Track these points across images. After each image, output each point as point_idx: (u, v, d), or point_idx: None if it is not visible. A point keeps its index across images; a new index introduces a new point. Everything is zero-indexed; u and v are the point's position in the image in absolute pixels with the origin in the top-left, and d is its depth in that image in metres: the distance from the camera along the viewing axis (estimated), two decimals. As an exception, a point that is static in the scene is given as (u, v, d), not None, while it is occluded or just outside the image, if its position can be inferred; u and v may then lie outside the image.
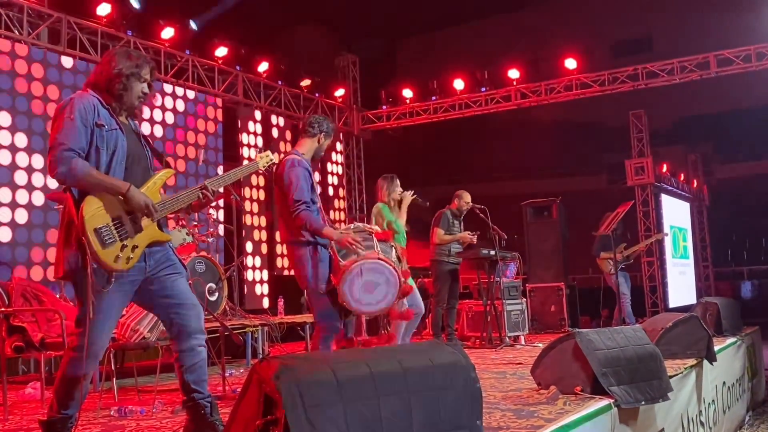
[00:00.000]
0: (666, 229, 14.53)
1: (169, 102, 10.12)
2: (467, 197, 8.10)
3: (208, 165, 10.36)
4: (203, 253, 7.71)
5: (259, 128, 11.89)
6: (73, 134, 3.14)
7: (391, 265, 4.40)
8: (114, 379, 5.21)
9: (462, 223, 8.16)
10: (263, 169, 3.97)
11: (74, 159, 3.11)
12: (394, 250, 4.62)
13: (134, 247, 3.19)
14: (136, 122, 3.51)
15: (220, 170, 10.46)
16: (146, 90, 3.38)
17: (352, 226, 4.74)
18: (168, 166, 3.53)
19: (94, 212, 3.11)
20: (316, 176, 5.10)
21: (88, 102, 3.24)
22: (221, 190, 3.75)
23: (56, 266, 3.25)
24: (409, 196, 6.54)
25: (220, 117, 10.99)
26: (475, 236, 7.92)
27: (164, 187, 3.41)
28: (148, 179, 3.33)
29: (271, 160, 4.03)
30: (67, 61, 8.78)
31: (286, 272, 11.68)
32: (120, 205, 3.17)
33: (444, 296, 7.87)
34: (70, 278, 3.20)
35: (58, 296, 6.38)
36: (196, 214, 8.40)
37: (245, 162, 11.51)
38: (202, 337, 3.37)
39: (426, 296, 10.36)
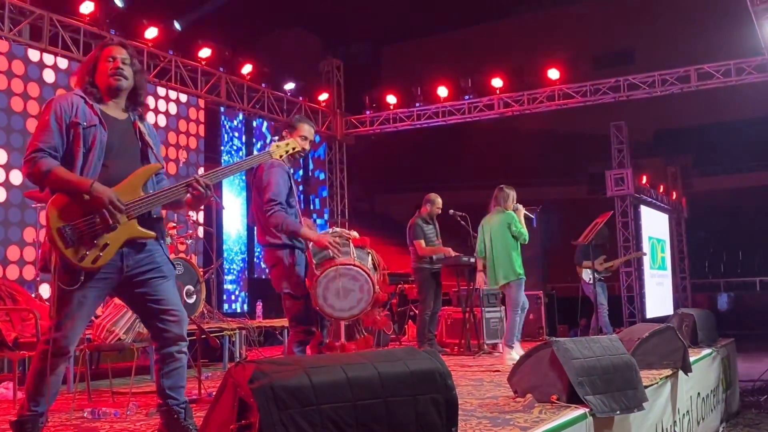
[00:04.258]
0: (644, 240, 14.66)
1: (150, 102, 10.07)
2: (439, 202, 8.09)
3: (188, 166, 10.31)
4: (182, 255, 7.66)
5: (241, 130, 11.86)
6: (44, 134, 3.16)
7: (365, 272, 4.39)
8: (88, 380, 5.15)
9: (437, 226, 8.15)
10: (278, 158, 3.81)
11: (41, 159, 3.11)
12: (370, 257, 4.61)
13: (105, 245, 3.13)
14: (138, 114, 3.42)
15: (200, 171, 10.40)
16: (113, 65, 3.30)
17: (330, 230, 4.73)
18: (157, 161, 3.46)
19: (59, 212, 3.09)
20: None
21: (66, 101, 3.23)
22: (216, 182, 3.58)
23: (39, 260, 3.32)
24: (522, 208, 7.26)
25: (202, 118, 10.95)
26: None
27: (150, 182, 3.30)
28: (129, 175, 3.26)
29: (294, 147, 3.81)
30: (48, 59, 8.70)
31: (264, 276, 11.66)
32: (86, 203, 3.12)
33: (430, 302, 7.86)
34: (46, 272, 3.23)
35: (33, 296, 6.31)
36: (176, 215, 8.37)
37: (224, 162, 11.50)
38: (183, 344, 3.34)
39: (406, 302, 10.41)
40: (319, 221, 13.88)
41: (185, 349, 3.36)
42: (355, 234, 4.69)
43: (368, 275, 4.38)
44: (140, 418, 4.34)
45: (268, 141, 12.40)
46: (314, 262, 4.41)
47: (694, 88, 12.31)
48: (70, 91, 3.33)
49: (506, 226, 7.06)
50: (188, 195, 3.33)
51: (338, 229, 4.76)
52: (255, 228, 4.63)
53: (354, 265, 4.37)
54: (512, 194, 7.26)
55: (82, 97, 3.27)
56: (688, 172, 21.52)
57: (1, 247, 7.88)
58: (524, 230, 7.11)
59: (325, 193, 14.38)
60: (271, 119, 12.56)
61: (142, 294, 3.28)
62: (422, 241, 7.89)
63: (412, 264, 8.06)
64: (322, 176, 14.39)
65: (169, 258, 3.40)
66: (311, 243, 4.46)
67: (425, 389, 2.59)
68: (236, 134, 11.99)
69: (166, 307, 3.30)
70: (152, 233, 3.28)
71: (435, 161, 22.24)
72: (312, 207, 13.93)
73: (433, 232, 8.05)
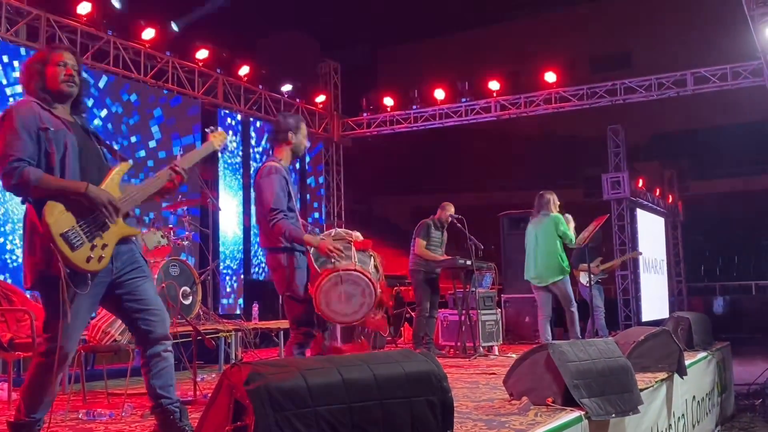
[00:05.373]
0: (640, 243, 14.65)
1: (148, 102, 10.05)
2: (451, 209, 8.15)
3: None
4: (177, 257, 7.64)
5: (238, 132, 11.86)
6: (18, 144, 3.07)
7: (367, 276, 4.38)
8: (83, 381, 5.14)
9: (444, 234, 8.19)
10: (219, 148, 3.87)
11: (25, 169, 3.04)
12: (372, 260, 4.60)
13: (104, 246, 3.13)
14: (84, 117, 3.44)
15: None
16: (65, 72, 3.26)
17: (332, 232, 4.70)
18: (123, 159, 3.44)
19: (58, 217, 3.03)
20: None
21: (27, 108, 3.17)
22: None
23: (24, 276, 3.19)
24: (571, 219, 8.09)
25: (198, 119, 10.94)
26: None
27: (122, 180, 3.32)
28: (105, 175, 3.26)
29: (225, 137, 3.93)
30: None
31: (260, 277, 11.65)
32: (81, 206, 3.11)
33: (426, 305, 7.87)
34: (39, 287, 3.15)
35: (28, 296, 6.29)
36: (172, 215, 8.36)
37: (224, 162, 11.50)
38: (168, 343, 3.34)
39: (402, 305, 10.40)
40: (315, 216, 13.87)
41: (171, 348, 3.37)
42: (358, 235, 4.66)
43: (369, 279, 4.36)
44: (135, 419, 4.34)
45: (264, 140, 12.39)
46: (316, 267, 4.40)
47: (691, 92, 12.35)
48: (24, 99, 3.25)
49: (554, 227, 7.57)
50: (168, 181, 3.37)
51: (340, 231, 4.73)
52: (252, 229, 4.63)
53: (355, 270, 4.36)
54: (553, 198, 7.75)
55: (37, 103, 3.22)
56: (685, 175, 21.52)
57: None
58: (570, 233, 7.72)
59: (321, 195, 14.37)
60: (268, 121, 12.55)
61: (124, 294, 3.28)
62: (423, 241, 7.92)
63: (409, 266, 8.07)
64: (319, 178, 14.37)
65: (143, 256, 3.42)
66: (312, 248, 4.45)
67: (421, 391, 2.59)
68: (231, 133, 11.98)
69: (148, 307, 3.30)
70: (138, 230, 3.32)
71: (432, 164, 22.25)
72: (308, 209, 13.90)
73: (439, 239, 8.09)
